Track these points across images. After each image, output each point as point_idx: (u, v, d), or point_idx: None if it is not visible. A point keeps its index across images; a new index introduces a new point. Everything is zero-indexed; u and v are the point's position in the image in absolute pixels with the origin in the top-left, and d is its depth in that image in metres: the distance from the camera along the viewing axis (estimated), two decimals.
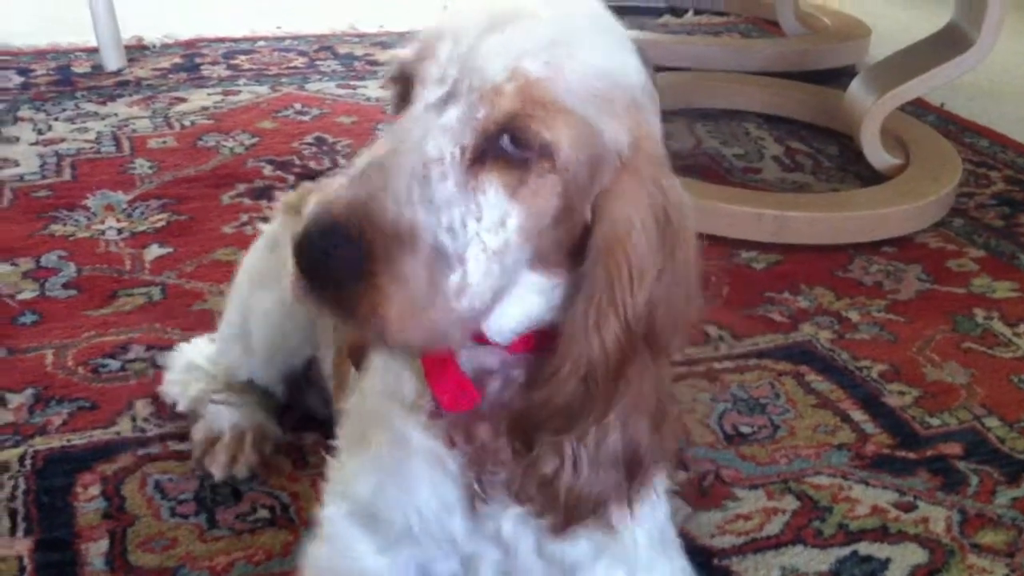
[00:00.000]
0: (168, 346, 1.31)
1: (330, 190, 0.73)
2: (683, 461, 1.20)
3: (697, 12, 3.03)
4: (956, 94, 2.31)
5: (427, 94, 0.76)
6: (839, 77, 2.42)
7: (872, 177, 1.92)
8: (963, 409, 1.31)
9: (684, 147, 2.08)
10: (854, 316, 1.51)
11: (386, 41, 2.71)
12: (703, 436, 1.25)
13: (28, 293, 1.49)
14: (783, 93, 2.26)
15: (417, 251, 0.72)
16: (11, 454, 1.16)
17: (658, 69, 2.01)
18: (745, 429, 1.26)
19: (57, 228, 1.68)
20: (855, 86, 2.00)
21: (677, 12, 3.02)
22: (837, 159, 2.05)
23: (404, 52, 0.79)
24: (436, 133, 0.75)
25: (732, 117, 2.22)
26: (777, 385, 1.35)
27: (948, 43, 1.87)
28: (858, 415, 1.29)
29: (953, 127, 2.23)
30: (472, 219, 0.75)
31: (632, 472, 0.82)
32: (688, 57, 2.51)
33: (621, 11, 2.84)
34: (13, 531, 1.05)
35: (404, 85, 0.78)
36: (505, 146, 0.74)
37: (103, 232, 1.67)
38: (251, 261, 1.26)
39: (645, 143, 0.78)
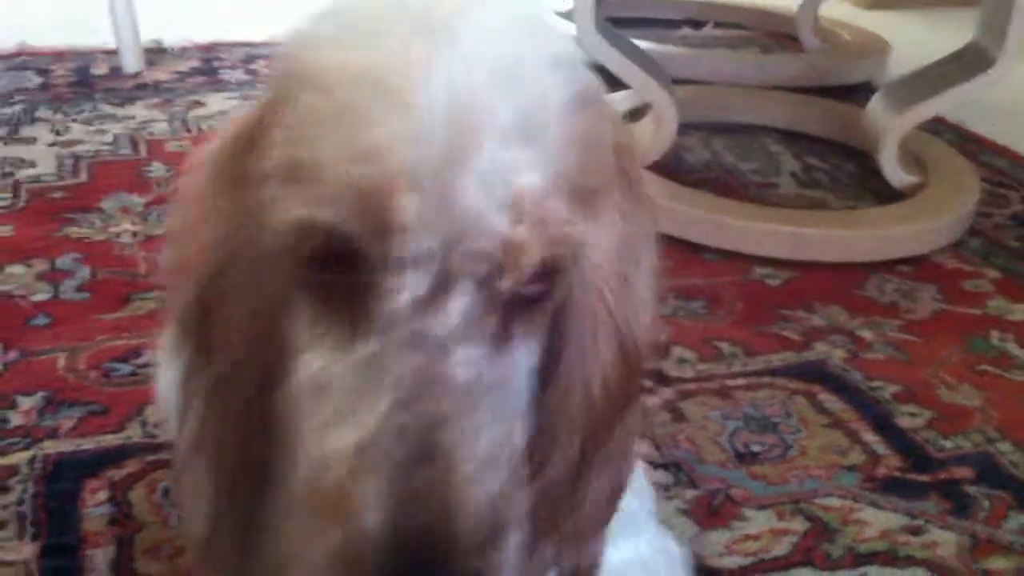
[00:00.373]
0: None
1: (363, 499, 0.50)
2: (692, 478, 1.19)
3: (717, 25, 3.02)
4: (975, 112, 2.30)
5: (407, 288, 0.52)
6: (858, 93, 2.41)
7: (889, 195, 1.91)
8: (976, 432, 1.30)
9: (700, 161, 2.08)
10: (868, 335, 1.50)
11: None
12: (714, 454, 1.24)
13: (42, 295, 1.49)
14: (802, 108, 2.26)
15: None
16: (20, 457, 1.16)
17: (675, 82, 2.01)
18: (756, 448, 1.25)
19: (72, 230, 1.68)
20: (874, 103, 1.99)
21: (696, 24, 3.01)
22: (854, 176, 2.04)
23: (325, 213, 0.52)
24: (457, 347, 0.53)
25: (750, 131, 2.22)
26: (789, 404, 1.34)
27: (969, 61, 1.86)
28: (869, 436, 1.28)
29: (971, 145, 2.21)
30: (509, 395, 0.57)
31: (613, 507, 0.69)
32: (706, 70, 2.50)
33: (638, 22, 2.80)
34: (21, 535, 1.05)
35: (331, 251, 0.53)
36: (529, 291, 0.56)
37: (118, 235, 1.67)
38: None
39: (619, 141, 0.62)
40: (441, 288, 0.52)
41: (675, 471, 1.20)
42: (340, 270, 0.53)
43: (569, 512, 0.65)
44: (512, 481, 0.54)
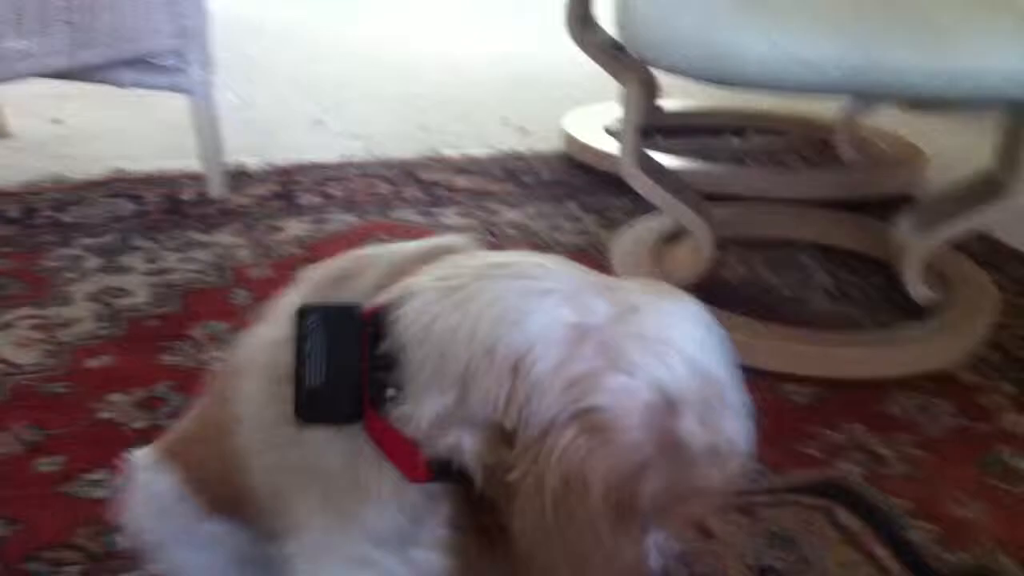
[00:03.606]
0: None
1: None
2: None
3: (758, 131, 3.17)
4: (1007, 219, 2.40)
5: None
6: (894, 204, 2.53)
7: (917, 309, 2.04)
8: (979, 547, 1.42)
9: (737, 277, 2.22)
10: (886, 452, 1.63)
11: (467, 167, 2.90)
12: (739, 571, 1.38)
13: (140, 422, 1.67)
14: (835, 224, 2.40)
15: None
16: None
17: (717, 197, 2.17)
18: (778, 564, 1.39)
19: (166, 358, 1.87)
20: (901, 223, 2.13)
21: (738, 132, 3.16)
22: (884, 290, 2.18)
23: None
24: None
25: (786, 246, 2.36)
26: (809, 521, 1.48)
27: (986, 189, 2.00)
28: (881, 552, 1.41)
29: (999, 254, 2.33)
30: None
31: None
32: (743, 185, 2.66)
33: (686, 131, 2.98)
34: None
35: None
36: None
37: (207, 362, 1.86)
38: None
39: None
40: None
41: None
42: None
43: None
44: None
